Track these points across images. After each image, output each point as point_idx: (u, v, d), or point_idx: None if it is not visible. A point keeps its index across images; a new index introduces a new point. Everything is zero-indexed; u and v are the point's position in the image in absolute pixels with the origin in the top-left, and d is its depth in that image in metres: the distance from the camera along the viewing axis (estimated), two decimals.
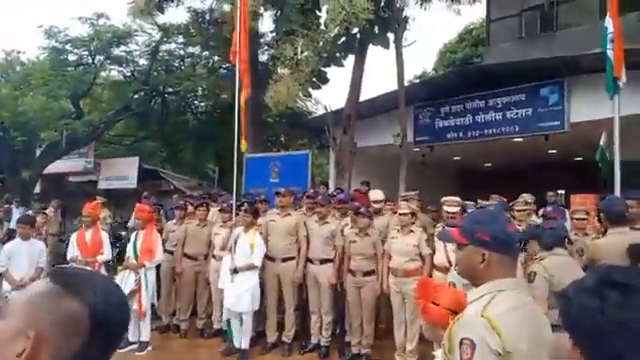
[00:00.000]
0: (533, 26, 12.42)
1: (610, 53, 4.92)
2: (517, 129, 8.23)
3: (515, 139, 8.58)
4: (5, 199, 12.68)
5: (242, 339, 5.20)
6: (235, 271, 5.13)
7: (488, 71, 8.75)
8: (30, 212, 8.39)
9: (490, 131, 8.55)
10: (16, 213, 9.91)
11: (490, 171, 13.74)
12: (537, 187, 7.66)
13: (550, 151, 9.91)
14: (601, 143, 5.53)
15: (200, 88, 14.96)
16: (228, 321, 5.40)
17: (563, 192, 9.35)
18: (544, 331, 1.51)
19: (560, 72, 7.63)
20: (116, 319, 0.83)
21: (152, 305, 5.71)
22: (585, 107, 7.26)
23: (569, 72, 7.59)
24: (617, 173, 4.80)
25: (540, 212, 6.09)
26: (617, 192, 4.76)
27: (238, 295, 5.12)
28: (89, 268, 5.28)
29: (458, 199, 4.90)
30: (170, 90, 14.80)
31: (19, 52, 19.37)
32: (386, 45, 8.47)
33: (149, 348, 5.39)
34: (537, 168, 11.88)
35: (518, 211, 5.28)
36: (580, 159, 10.19)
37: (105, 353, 0.83)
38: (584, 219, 5.19)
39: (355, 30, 7.70)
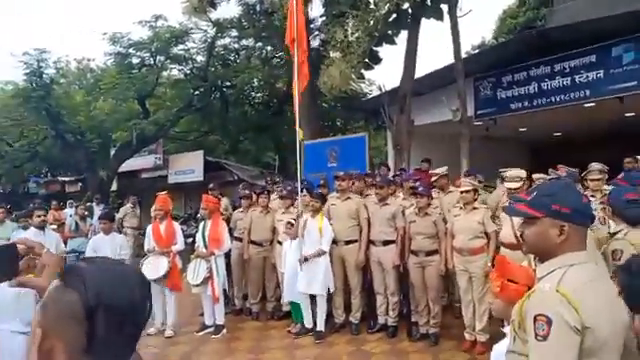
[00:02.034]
0: None
1: None
2: (588, 94, 7.69)
3: (586, 104, 8.01)
4: (87, 198, 13.75)
5: (318, 320, 5.36)
6: (305, 259, 5.26)
7: (552, 35, 8.18)
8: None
9: (558, 98, 8.05)
10: (97, 210, 10.72)
11: (560, 141, 12.95)
12: (614, 154, 7.14)
13: (627, 114, 9.16)
14: None
15: (256, 79, 15.25)
16: (293, 304, 5.56)
17: None
18: (622, 307, 1.43)
19: (635, 27, 6.98)
20: (113, 303, 0.86)
21: (224, 290, 5.99)
22: None
23: None
24: None
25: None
26: None
27: (310, 278, 5.27)
28: (165, 257, 5.65)
29: (520, 173, 4.67)
30: (228, 84, 15.22)
31: (89, 60, 20.80)
32: (440, 17, 8.15)
33: (224, 331, 5.68)
34: (613, 134, 11.04)
35: (592, 180, 4.96)
36: None
37: (118, 335, 0.87)
38: None
39: (406, 5, 7.49)
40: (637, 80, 7.10)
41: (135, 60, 14.34)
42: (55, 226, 7.50)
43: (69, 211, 10.83)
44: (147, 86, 14.05)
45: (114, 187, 16.46)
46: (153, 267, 5.65)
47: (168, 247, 5.74)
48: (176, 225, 6.07)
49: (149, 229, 5.98)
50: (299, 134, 5.84)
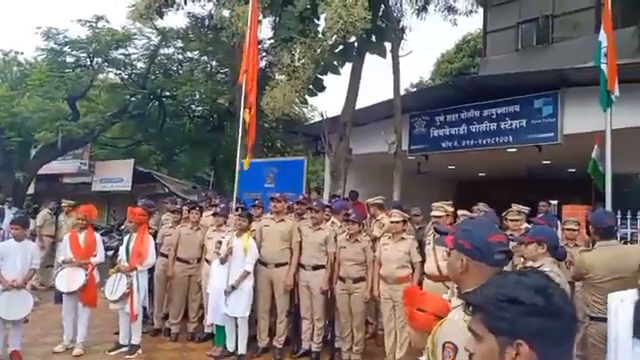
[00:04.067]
0: (529, 38, 12.58)
1: (604, 67, 5.00)
2: (511, 139, 8.30)
3: (509, 149, 8.65)
4: None
5: (239, 343, 5.21)
6: (233, 287, 5.15)
7: (483, 82, 8.82)
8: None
9: (484, 141, 8.62)
10: (9, 214, 9.87)
11: (484, 180, 13.82)
12: (530, 197, 7.73)
13: (544, 162, 9.99)
14: (593, 155, 5.60)
15: (198, 92, 15.01)
16: (217, 326, 5.41)
17: (556, 202, 9.42)
18: None
19: (554, 84, 7.71)
20: None
21: (144, 308, 5.71)
22: (578, 119, 7.33)
23: (563, 85, 7.68)
24: (608, 186, 4.86)
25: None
26: (608, 205, 4.82)
27: (234, 300, 5.14)
28: (82, 270, 5.30)
29: (446, 205, 4.95)
30: (167, 94, 14.85)
31: (17, 52, 19.43)
32: (383, 54, 8.54)
33: (139, 351, 5.37)
34: (532, 177, 11.96)
35: (511, 221, 5.34)
36: (573, 170, 10.26)
37: None
38: (575, 230, 5.23)
39: (352, 39, 7.77)
40: (553, 132, 7.78)
41: (70, 59, 13.61)
42: None
43: None
44: (80, 87, 13.35)
45: (31, 190, 15.31)
46: (68, 279, 5.29)
47: (86, 259, 5.40)
48: (97, 236, 5.74)
49: (66, 238, 5.61)
50: (245, 163, 5.80)
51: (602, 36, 5.08)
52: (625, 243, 4.62)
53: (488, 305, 1.06)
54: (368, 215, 6.38)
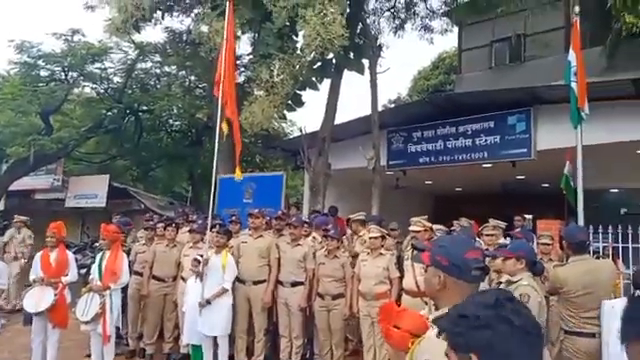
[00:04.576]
0: (502, 57, 12.94)
1: (574, 85, 5.16)
2: (486, 155, 8.45)
3: (484, 165, 8.80)
4: None
5: None
6: (208, 302, 5.04)
7: (458, 99, 9.00)
8: None
9: (460, 157, 8.75)
10: None
11: (461, 195, 14.01)
12: (506, 211, 7.85)
13: (518, 177, 10.19)
14: (565, 171, 5.74)
15: (175, 107, 14.87)
16: (193, 346, 5.28)
17: (531, 217, 9.59)
18: None
19: (527, 102, 7.92)
20: None
21: (117, 329, 5.54)
22: (551, 136, 7.52)
23: (535, 102, 7.88)
24: (580, 201, 4.98)
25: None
26: (580, 219, 4.93)
27: (213, 319, 5.03)
28: (51, 289, 5.12)
29: (424, 220, 5.00)
30: (144, 108, 14.67)
31: None
32: (361, 71, 8.64)
33: None
34: (507, 192, 12.18)
35: (486, 235, 5.40)
36: (547, 185, 10.51)
37: None
38: (549, 244, 5.33)
39: (331, 55, 7.84)
40: (526, 148, 7.96)
41: (44, 73, 13.34)
42: None
43: None
44: (54, 101, 13.06)
45: (1, 207, 14.84)
46: (36, 299, 5.10)
47: (57, 278, 5.23)
48: (69, 254, 5.56)
49: (37, 256, 5.43)
50: (237, 174, 5.73)
51: (571, 55, 5.26)
52: (597, 257, 4.71)
53: (449, 324, 1.12)
54: (349, 231, 6.37)
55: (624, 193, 9.25)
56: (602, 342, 3.38)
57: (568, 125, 5.28)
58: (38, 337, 5.22)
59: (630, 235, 6.01)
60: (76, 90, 14.58)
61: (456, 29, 13.50)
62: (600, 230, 6.11)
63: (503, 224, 5.64)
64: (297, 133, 11.90)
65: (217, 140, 5.67)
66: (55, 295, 5.11)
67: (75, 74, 13.43)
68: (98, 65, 13.51)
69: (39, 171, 14.30)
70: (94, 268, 5.37)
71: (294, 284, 5.28)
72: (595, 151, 6.16)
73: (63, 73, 13.41)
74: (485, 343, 1.03)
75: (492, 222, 5.56)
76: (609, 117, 6.83)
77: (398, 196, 10.96)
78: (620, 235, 6.11)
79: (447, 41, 17.43)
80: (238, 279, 5.35)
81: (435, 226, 5.19)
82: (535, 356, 1.08)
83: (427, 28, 11.65)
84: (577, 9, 5.45)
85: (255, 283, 5.37)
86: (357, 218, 6.22)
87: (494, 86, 10.12)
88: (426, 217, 5.19)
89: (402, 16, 11.15)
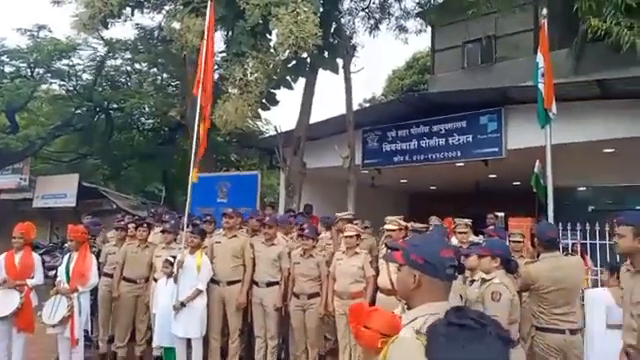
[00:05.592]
0: (474, 57, 13.15)
1: (541, 86, 5.28)
2: (459, 154, 8.58)
3: (457, 164, 8.93)
4: None
5: None
6: (182, 304, 4.95)
7: (431, 99, 9.11)
8: None
9: (434, 156, 8.87)
10: None
11: (435, 193, 14.20)
12: (479, 209, 7.99)
13: (490, 175, 10.38)
14: (535, 170, 5.86)
15: (147, 105, 14.59)
16: (165, 348, 5.17)
17: (502, 215, 9.79)
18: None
19: (498, 102, 8.07)
20: None
21: (86, 332, 5.39)
22: (521, 135, 7.69)
23: (506, 102, 8.04)
24: (550, 199, 5.09)
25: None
26: (550, 217, 5.04)
27: (186, 321, 4.94)
28: (16, 292, 4.94)
29: (399, 219, 5.03)
30: (115, 106, 14.34)
31: None
32: (335, 70, 8.64)
33: None
34: (480, 191, 12.40)
35: (459, 233, 5.49)
36: (518, 184, 10.74)
37: None
38: (520, 242, 5.43)
39: (305, 54, 7.81)
40: (498, 147, 8.12)
41: (8, 69, 12.91)
42: None
43: None
44: (19, 99, 12.64)
45: None
46: (0, 303, 4.90)
47: (22, 280, 5.04)
48: (35, 256, 5.35)
49: (1, 258, 5.22)
50: (193, 176, 5.61)
51: (539, 57, 5.38)
52: (566, 254, 4.82)
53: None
54: (334, 229, 6.32)
55: (592, 191, 9.54)
56: (585, 328, 3.69)
57: (538, 125, 5.40)
58: (3, 342, 5.01)
59: (597, 232, 6.18)
60: (43, 87, 14.16)
61: (430, 30, 13.67)
62: (569, 227, 6.26)
63: (469, 221, 5.76)
64: (273, 132, 11.83)
65: (195, 139, 5.57)
66: (21, 298, 4.93)
67: (42, 70, 13.05)
68: (66, 62, 13.16)
69: (5, 170, 13.84)
70: (61, 270, 5.21)
71: (269, 284, 5.23)
72: (564, 150, 6.32)
73: (29, 69, 13.01)
74: None
75: (463, 220, 5.70)
76: (577, 117, 7.03)
77: (373, 195, 11.03)
78: (588, 232, 6.28)
79: (421, 41, 17.67)
80: (212, 280, 5.27)
81: (413, 224, 5.23)
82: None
83: (402, 28, 11.79)
84: (545, 12, 5.57)
85: (229, 283, 5.30)
86: (344, 217, 6.21)
87: (466, 86, 10.28)
88: (402, 217, 5.24)
89: (377, 16, 11.23)
